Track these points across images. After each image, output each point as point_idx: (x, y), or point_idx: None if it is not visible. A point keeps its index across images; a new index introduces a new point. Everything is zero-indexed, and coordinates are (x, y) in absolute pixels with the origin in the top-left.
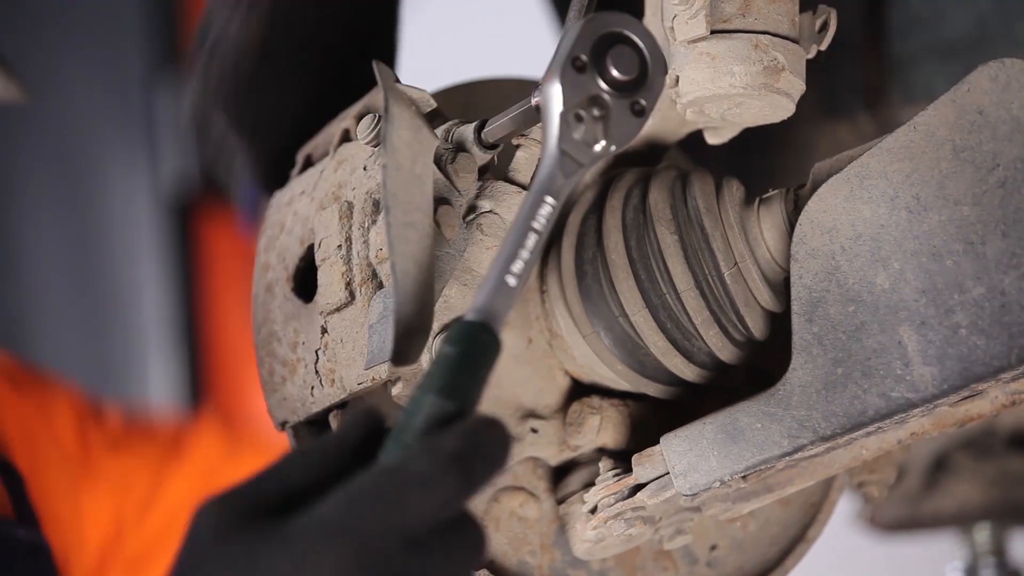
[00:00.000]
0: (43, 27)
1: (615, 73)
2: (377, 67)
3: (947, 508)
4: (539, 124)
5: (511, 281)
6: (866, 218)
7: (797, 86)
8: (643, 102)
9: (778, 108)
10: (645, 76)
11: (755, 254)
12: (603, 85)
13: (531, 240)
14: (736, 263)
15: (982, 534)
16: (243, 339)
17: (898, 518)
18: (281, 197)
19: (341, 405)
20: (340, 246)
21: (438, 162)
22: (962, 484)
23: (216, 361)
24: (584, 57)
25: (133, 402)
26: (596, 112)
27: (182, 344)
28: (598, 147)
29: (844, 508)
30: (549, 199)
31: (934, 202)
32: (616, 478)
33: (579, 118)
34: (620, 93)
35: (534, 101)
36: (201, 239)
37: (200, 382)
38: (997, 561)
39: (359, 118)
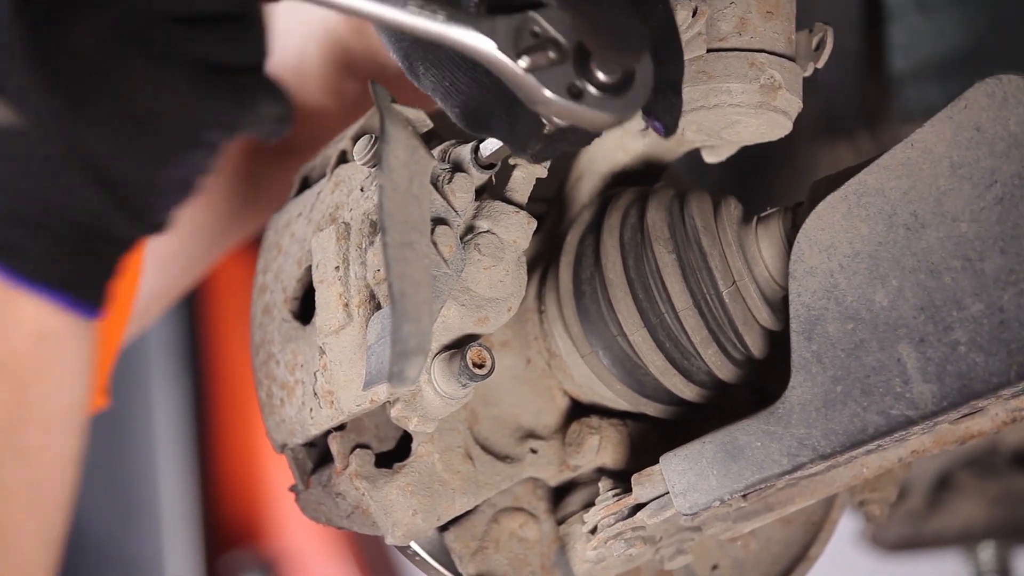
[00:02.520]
0: None
1: (600, 74)
2: (373, 88)
3: (951, 527)
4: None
5: None
6: (864, 235)
7: (794, 104)
8: (589, 88)
9: (775, 126)
10: (627, 86)
11: (753, 272)
12: (580, 73)
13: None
14: (734, 282)
15: (986, 553)
16: (246, 361)
17: (901, 537)
18: (278, 219)
19: (340, 427)
20: (337, 267)
21: (435, 182)
22: (966, 503)
23: (221, 383)
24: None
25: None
26: (551, 54)
27: (186, 367)
28: (522, 62)
29: (847, 527)
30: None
31: (932, 219)
32: (616, 498)
33: (535, 35)
34: (590, 80)
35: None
36: None
37: (205, 404)
38: None
39: (356, 139)
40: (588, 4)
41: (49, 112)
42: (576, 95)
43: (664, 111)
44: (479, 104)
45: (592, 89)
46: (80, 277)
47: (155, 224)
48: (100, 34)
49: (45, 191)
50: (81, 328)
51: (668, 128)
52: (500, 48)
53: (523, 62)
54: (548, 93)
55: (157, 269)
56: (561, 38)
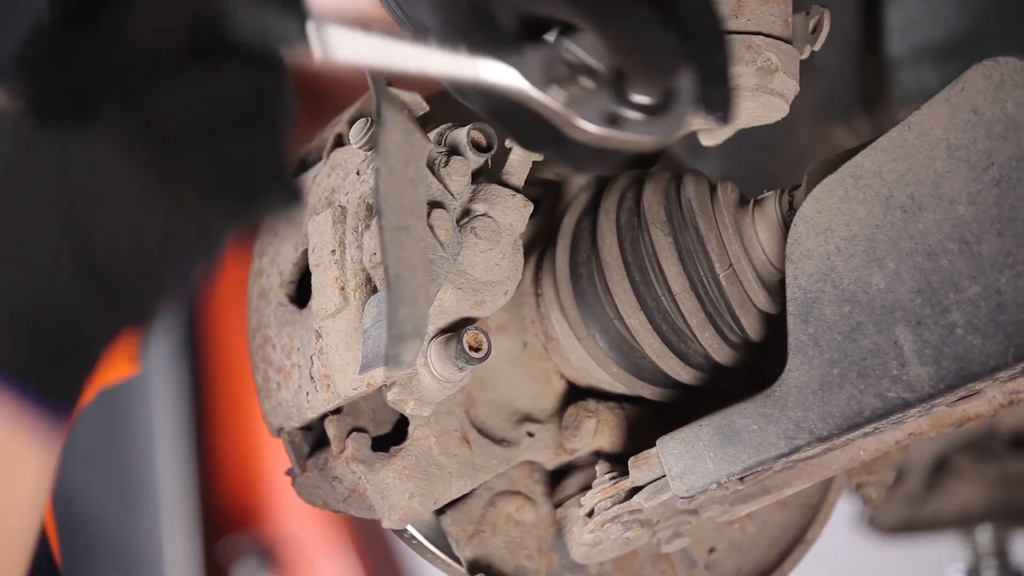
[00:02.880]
0: None
1: (636, 96)
2: (369, 72)
3: (948, 510)
4: None
5: None
6: (861, 218)
7: (791, 87)
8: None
9: (772, 109)
10: (669, 104)
11: (750, 255)
12: (618, 99)
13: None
14: (731, 264)
15: (984, 536)
16: (244, 345)
17: (899, 520)
18: None
19: (336, 411)
20: (334, 251)
21: (431, 166)
22: (963, 486)
23: (218, 368)
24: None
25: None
26: (586, 82)
27: (184, 351)
28: (556, 93)
29: (844, 510)
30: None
31: (929, 201)
32: (613, 481)
33: (567, 63)
34: (629, 104)
35: None
36: None
37: (203, 389)
38: (999, 563)
39: (352, 122)
40: (618, 25)
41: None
42: (615, 121)
43: (719, 101)
44: (532, 131)
45: (632, 114)
46: (56, 375)
47: (145, 319)
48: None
49: (34, 286)
50: (51, 428)
51: (726, 116)
52: (531, 81)
53: (557, 94)
54: (585, 124)
55: None
56: (596, 64)
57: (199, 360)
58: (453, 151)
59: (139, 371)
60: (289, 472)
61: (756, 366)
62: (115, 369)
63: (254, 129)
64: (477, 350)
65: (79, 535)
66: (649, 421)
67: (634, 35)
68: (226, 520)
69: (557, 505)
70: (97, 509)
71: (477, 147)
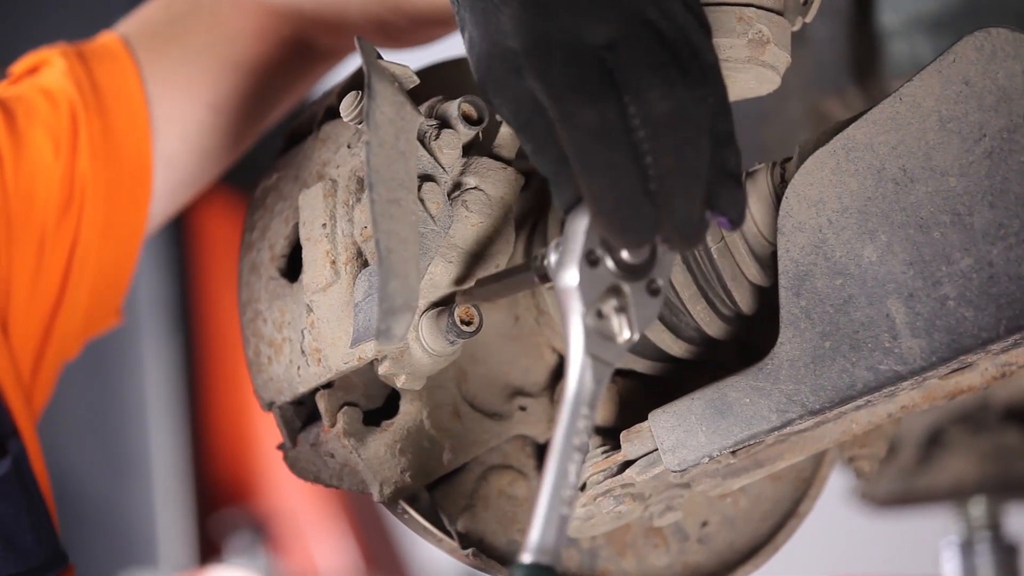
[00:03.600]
0: (37, 25)
1: (626, 257)
2: (359, 43)
3: (942, 483)
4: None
5: (563, 511)
6: (853, 190)
7: (783, 59)
8: (658, 281)
9: (764, 81)
10: (654, 254)
11: (742, 228)
12: (615, 269)
13: (576, 459)
14: (723, 237)
15: (977, 508)
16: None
17: (892, 493)
18: (266, 177)
19: (327, 385)
20: (324, 224)
21: (422, 139)
22: (957, 458)
23: (211, 342)
24: (598, 251)
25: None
26: (615, 303)
27: (177, 326)
28: (622, 339)
29: (837, 483)
30: (584, 410)
31: (921, 173)
32: (605, 455)
33: (600, 315)
34: (634, 276)
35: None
36: (196, 221)
37: (196, 364)
38: (992, 535)
39: (342, 95)
40: (600, 199)
41: None
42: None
43: (728, 204)
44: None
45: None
46: None
47: None
48: None
49: None
50: None
51: (734, 221)
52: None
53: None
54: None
55: (184, 160)
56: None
57: (192, 335)
58: (444, 124)
59: (124, 323)
60: (280, 447)
61: (748, 339)
62: (101, 321)
63: None
64: (468, 324)
65: (74, 509)
66: (641, 395)
67: (614, 205)
68: (219, 494)
69: None
70: (92, 484)
71: (468, 120)
